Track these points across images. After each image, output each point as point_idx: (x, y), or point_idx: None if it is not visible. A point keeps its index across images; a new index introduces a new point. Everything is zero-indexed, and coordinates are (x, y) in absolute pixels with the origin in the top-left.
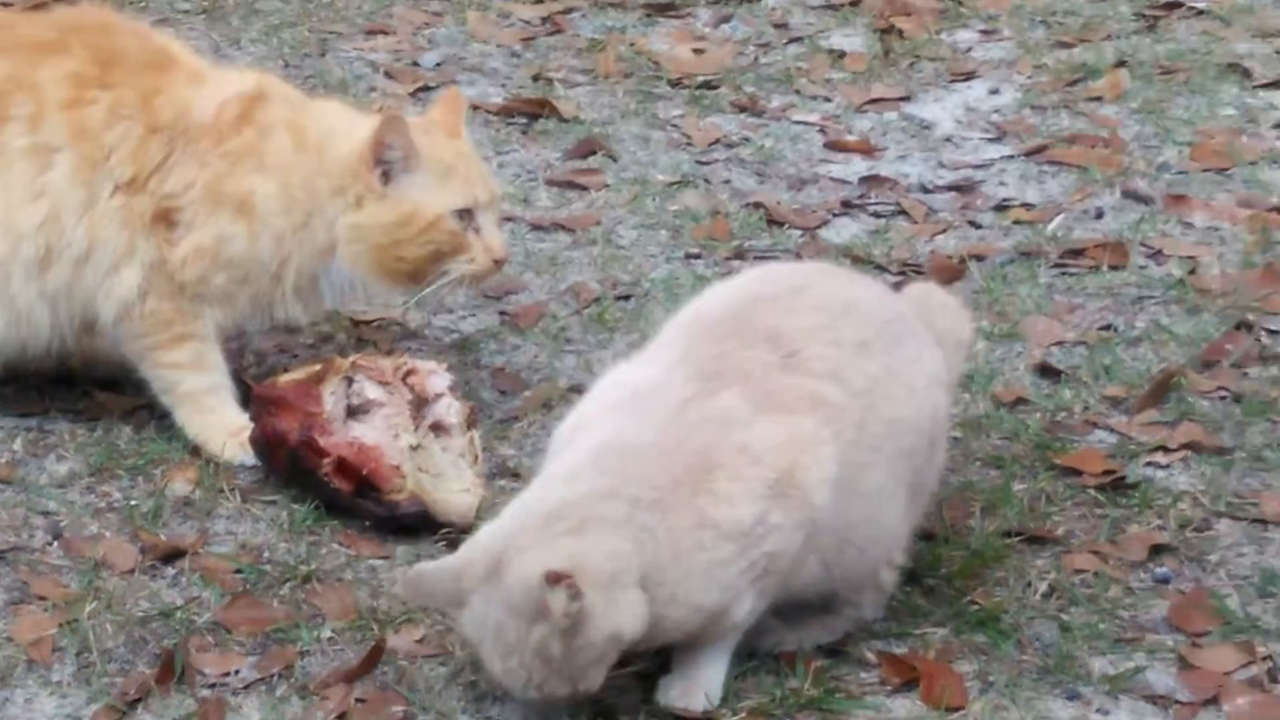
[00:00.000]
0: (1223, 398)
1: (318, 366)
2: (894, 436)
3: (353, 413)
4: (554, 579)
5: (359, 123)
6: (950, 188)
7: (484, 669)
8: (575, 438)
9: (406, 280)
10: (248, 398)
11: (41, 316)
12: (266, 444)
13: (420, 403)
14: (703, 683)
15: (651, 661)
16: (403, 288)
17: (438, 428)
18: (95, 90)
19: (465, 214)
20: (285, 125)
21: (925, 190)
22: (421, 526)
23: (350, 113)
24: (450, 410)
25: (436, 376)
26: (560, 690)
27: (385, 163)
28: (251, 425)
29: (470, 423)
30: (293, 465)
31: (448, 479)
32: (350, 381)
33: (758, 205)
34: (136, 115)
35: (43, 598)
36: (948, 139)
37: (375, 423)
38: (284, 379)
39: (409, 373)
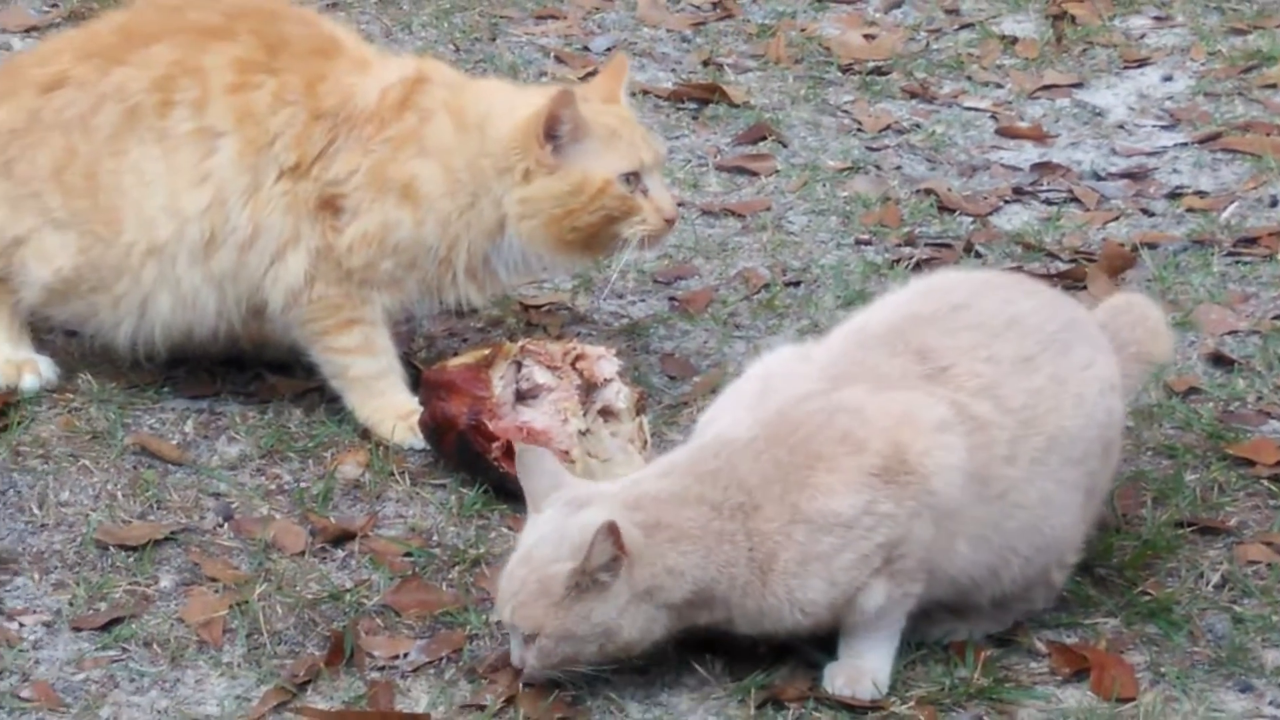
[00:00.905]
0: None
1: (486, 351)
2: (1060, 447)
3: (521, 397)
4: (613, 533)
5: (517, 99)
6: (1123, 175)
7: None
8: (706, 430)
9: (580, 250)
10: (417, 381)
11: (207, 300)
12: (436, 428)
13: (589, 388)
14: (869, 671)
15: (819, 650)
16: (577, 257)
17: (607, 413)
18: (260, 75)
19: (632, 177)
20: (445, 108)
21: (1097, 177)
22: None
23: (508, 89)
24: (619, 395)
25: (605, 361)
26: (523, 626)
27: (556, 136)
28: (421, 409)
29: (639, 408)
30: (462, 449)
31: (616, 464)
32: (519, 366)
33: (928, 192)
34: (301, 101)
35: (214, 579)
36: (1120, 126)
37: (544, 407)
38: (453, 363)
39: (578, 357)
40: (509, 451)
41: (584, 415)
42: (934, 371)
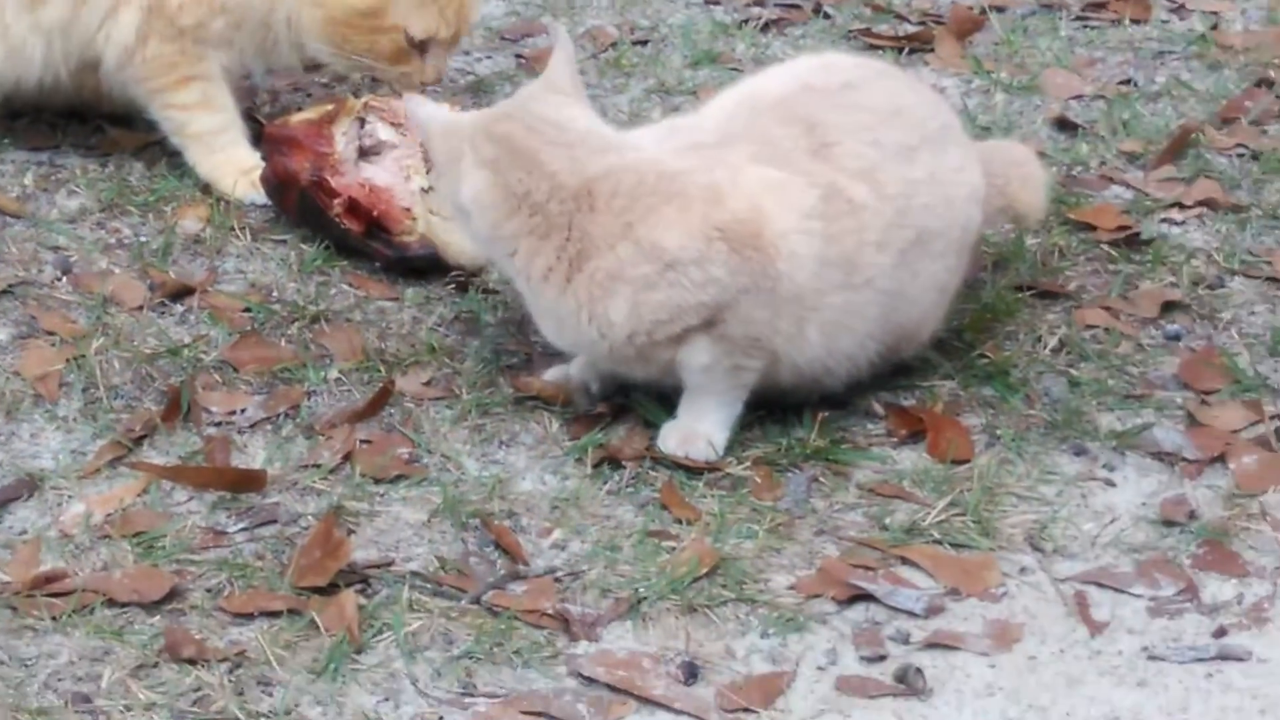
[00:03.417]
0: (1240, 155)
1: (330, 106)
2: (926, 242)
3: (364, 154)
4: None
5: None
6: None
7: None
8: None
9: (339, 53)
10: (260, 136)
11: (35, 51)
12: (278, 183)
13: None
14: (704, 433)
15: (659, 411)
16: (335, 60)
17: None
18: None
19: (421, 43)
20: None
21: None
22: (431, 269)
23: None
24: None
25: None
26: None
27: None
28: (263, 164)
29: None
30: (303, 205)
31: None
32: (363, 122)
33: None
34: None
35: (50, 333)
36: None
37: (387, 164)
38: (296, 118)
39: None
40: (351, 208)
41: (427, 173)
42: (820, 146)
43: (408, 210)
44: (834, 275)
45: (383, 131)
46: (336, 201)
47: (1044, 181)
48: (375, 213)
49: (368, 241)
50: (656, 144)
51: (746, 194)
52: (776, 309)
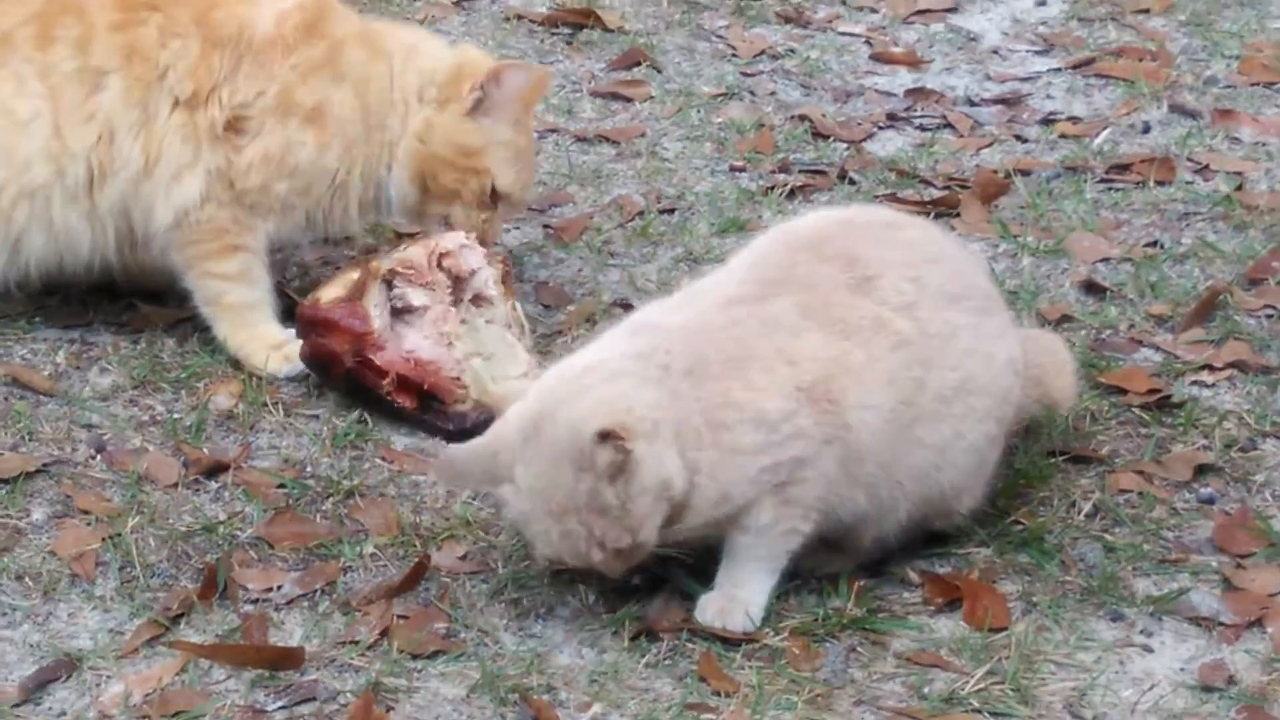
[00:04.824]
0: (1269, 315)
1: (355, 274)
2: (967, 394)
3: (397, 314)
4: (601, 436)
5: (432, 42)
6: (996, 101)
7: (539, 545)
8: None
9: (421, 194)
10: (290, 310)
11: (82, 236)
12: (320, 363)
13: (458, 281)
14: (743, 602)
15: (696, 583)
16: (415, 204)
17: (479, 299)
18: (144, 11)
19: (496, 194)
20: (356, 38)
21: (971, 103)
22: None
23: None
24: (488, 282)
25: (468, 250)
26: (621, 541)
27: (484, 94)
28: (292, 339)
29: (505, 280)
30: (351, 384)
31: (501, 360)
32: (390, 285)
33: (803, 118)
34: (192, 32)
35: (86, 512)
36: (994, 51)
37: (425, 329)
38: (325, 296)
39: (443, 255)
40: (401, 384)
41: (457, 306)
42: (861, 280)
43: (457, 380)
44: (890, 428)
45: (413, 296)
46: (385, 381)
47: (1075, 369)
48: (425, 385)
49: (423, 416)
50: (679, 313)
51: (810, 355)
52: (845, 462)
